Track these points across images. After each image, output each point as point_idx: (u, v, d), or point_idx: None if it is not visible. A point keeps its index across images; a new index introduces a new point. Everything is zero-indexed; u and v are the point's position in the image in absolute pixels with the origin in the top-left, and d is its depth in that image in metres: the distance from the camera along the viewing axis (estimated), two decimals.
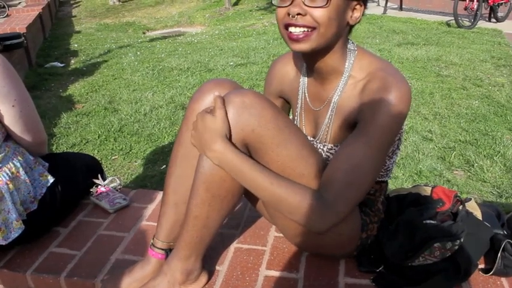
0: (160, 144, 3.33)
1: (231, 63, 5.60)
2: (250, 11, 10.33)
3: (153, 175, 2.85)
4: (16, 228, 1.40)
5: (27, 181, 1.46)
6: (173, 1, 12.59)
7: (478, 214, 1.37)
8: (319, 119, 1.25)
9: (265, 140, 1.09)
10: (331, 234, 1.20)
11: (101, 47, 7.09)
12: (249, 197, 1.33)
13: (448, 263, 1.23)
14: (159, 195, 1.79)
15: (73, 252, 1.48)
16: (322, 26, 1.04)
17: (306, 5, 1.03)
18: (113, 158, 3.15)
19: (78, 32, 8.99)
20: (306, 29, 1.05)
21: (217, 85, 1.22)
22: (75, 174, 1.71)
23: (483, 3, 7.53)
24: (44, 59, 6.27)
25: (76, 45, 7.40)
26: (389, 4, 9.37)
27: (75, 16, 11.43)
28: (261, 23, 8.73)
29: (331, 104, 1.20)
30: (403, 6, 9.47)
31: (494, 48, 6.03)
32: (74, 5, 13.27)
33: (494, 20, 7.93)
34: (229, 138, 1.09)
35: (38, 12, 7.78)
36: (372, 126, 1.07)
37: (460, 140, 3.27)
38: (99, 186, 1.79)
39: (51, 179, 1.53)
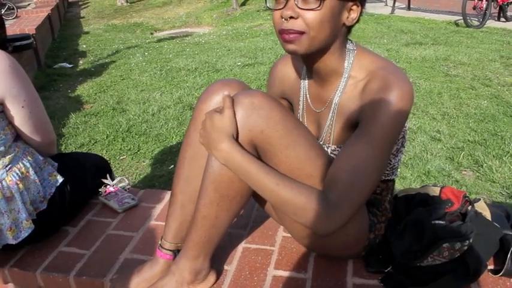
0: (168, 144, 3.34)
1: (239, 64, 5.61)
2: (258, 11, 10.33)
3: (161, 175, 2.86)
4: (26, 227, 1.41)
5: (37, 181, 1.47)
6: (181, 2, 12.63)
7: (487, 215, 1.36)
8: (321, 120, 1.25)
9: (273, 141, 1.09)
10: (338, 235, 1.19)
11: (109, 48, 7.13)
12: (257, 198, 1.33)
13: (457, 264, 1.22)
14: (167, 195, 1.80)
15: (82, 251, 1.49)
16: (313, 29, 1.03)
17: (299, 8, 1.03)
18: (121, 158, 3.16)
19: (87, 32, 9.05)
20: (296, 33, 1.05)
21: (225, 85, 1.22)
22: (84, 174, 1.73)
23: (492, 3, 7.48)
24: (53, 60, 6.32)
25: (84, 46, 7.45)
26: (397, 4, 9.33)
27: (83, 17, 11.50)
28: (268, 23, 8.72)
29: (332, 105, 1.19)
30: (411, 6, 9.44)
31: (504, 47, 5.98)
32: (82, 6, 13.36)
33: (504, 20, 7.87)
34: (237, 138, 1.09)
35: (47, 14, 7.85)
36: (373, 126, 1.06)
37: (468, 140, 3.24)
38: (108, 186, 1.80)
39: (60, 179, 1.54)
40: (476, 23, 7.45)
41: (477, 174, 2.79)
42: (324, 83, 1.20)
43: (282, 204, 1.11)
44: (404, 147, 1.27)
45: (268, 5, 1.11)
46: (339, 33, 1.11)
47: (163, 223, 1.36)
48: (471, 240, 1.23)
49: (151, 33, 9.40)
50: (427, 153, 3.05)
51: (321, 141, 1.25)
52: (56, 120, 3.82)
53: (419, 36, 6.76)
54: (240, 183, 1.13)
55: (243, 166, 1.08)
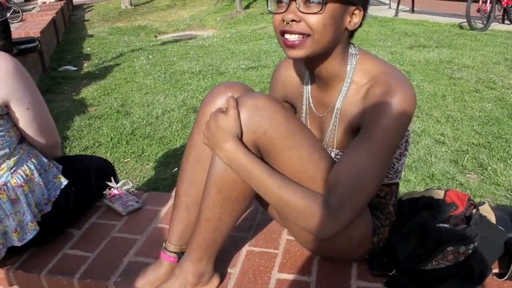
0: (172, 147, 3.35)
1: (243, 66, 5.62)
2: (262, 14, 10.35)
3: (165, 178, 2.86)
4: (31, 229, 1.42)
5: (42, 183, 1.48)
6: (185, 5, 12.67)
7: (492, 218, 1.36)
8: (324, 125, 1.24)
9: (277, 142, 1.09)
10: (342, 239, 1.19)
11: (113, 51, 7.15)
12: (260, 201, 1.33)
13: (462, 267, 1.22)
14: (171, 198, 1.80)
15: (86, 254, 1.50)
16: (317, 32, 1.03)
17: (300, 12, 1.02)
18: (125, 160, 3.17)
19: (91, 35, 9.10)
20: (300, 36, 1.04)
21: (229, 88, 1.22)
22: (88, 176, 1.73)
23: (496, 5, 7.46)
24: (58, 63, 6.35)
25: (89, 49, 7.48)
26: (401, 6, 9.33)
27: (88, 20, 11.56)
28: (272, 26, 8.73)
29: (335, 110, 1.19)
30: (415, 9, 9.43)
31: (508, 50, 5.96)
32: (87, 9, 13.42)
33: (508, 22, 7.84)
34: (240, 139, 1.09)
35: (51, 17, 7.89)
36: (375, 131, 1.06)
37: (473, 143, 3.23)
38: (112, 189, 1.81)
39: (64, 181, 1.55)
40: (480, 25, 7.44)
41: (481, 177, 2.78)
42: (326, 88, 1.20)
43: (284, 206, 1.10)
44: (408, 150, 1.26)
45: (269, 8, 1.11)
46: (341, 38, 1.10)
47: (168, 226, 1.36)
48: (476, 244, 1.22)
49: (156, 36, 9.44)
50: (431, 156, 3.04)
51: (324, 145, 1.24)
52: (61, 123, 3.83)
53: (423, 39, 6.75)
54: (243, 184, 1.13)
55: (245, 166, 1.08)
